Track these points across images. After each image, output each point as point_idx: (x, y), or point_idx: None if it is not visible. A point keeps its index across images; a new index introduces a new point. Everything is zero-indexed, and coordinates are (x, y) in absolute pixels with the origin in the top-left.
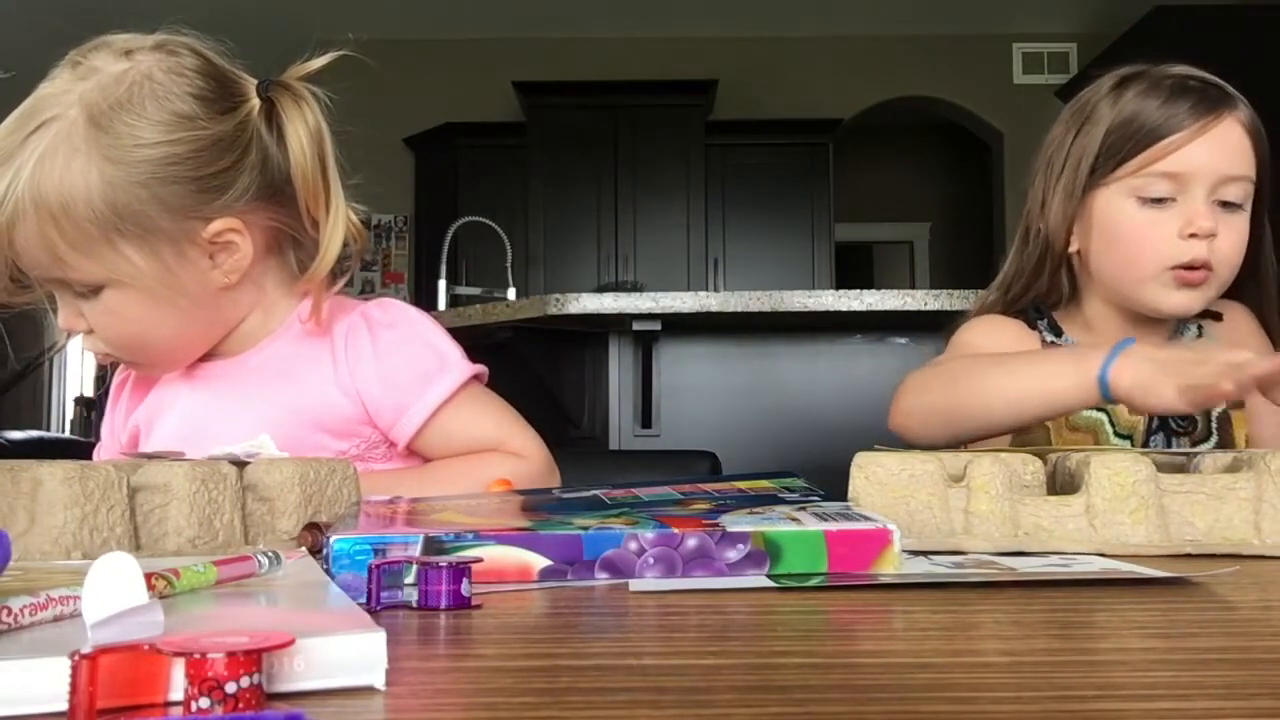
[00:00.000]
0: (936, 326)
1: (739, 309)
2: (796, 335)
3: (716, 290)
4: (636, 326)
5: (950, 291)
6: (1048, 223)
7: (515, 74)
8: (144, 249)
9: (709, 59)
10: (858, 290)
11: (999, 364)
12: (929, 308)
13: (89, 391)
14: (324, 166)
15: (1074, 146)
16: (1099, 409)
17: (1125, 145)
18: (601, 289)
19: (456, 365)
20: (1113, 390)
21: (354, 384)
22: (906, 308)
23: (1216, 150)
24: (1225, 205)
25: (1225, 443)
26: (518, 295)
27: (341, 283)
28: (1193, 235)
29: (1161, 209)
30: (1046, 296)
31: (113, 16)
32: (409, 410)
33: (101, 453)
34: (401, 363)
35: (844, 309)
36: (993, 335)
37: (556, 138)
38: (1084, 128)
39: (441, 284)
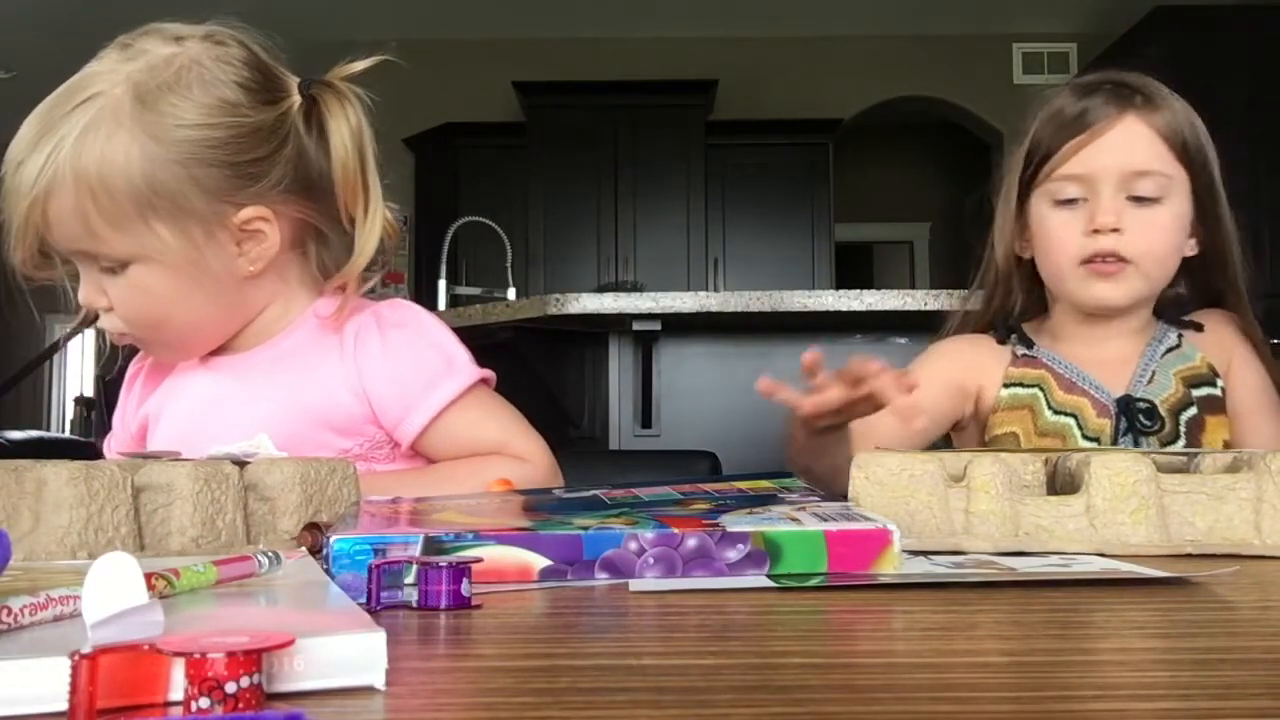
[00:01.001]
0: (936, 327)
1: (739, 309)
2: (796, 335)
3: (716, 290)
4: (636, 326)
5: (950, 291)
6: (993, 234)
7: (515, 74)
8: (175, 228)
9: (709, 59)
10: (858, 290)
11: None
12: (929, 308)
13: (89, 391)
14: (364, 165)
15: (1013, 159)
16: (1069, 413)
17: (1041, 152)
18: (601, 289)
19: (464, 368)
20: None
21: (361, 382)
22: (906, 308)
23: (1117, 148)
24: (1139, 200)
25: (1193, 445)
26: (518, 295)
27: (373, 281)
28: (1095, 231)
29: (1072, 209)
30: (1006, 307)
31: (113, 16)
32: (414, 410)
33: (112, 442)
34: (409, 363)
35: (844, 309)
36: (958, 355)
37: (556, 138)
38: (1021, 142)
39: (441, 284)
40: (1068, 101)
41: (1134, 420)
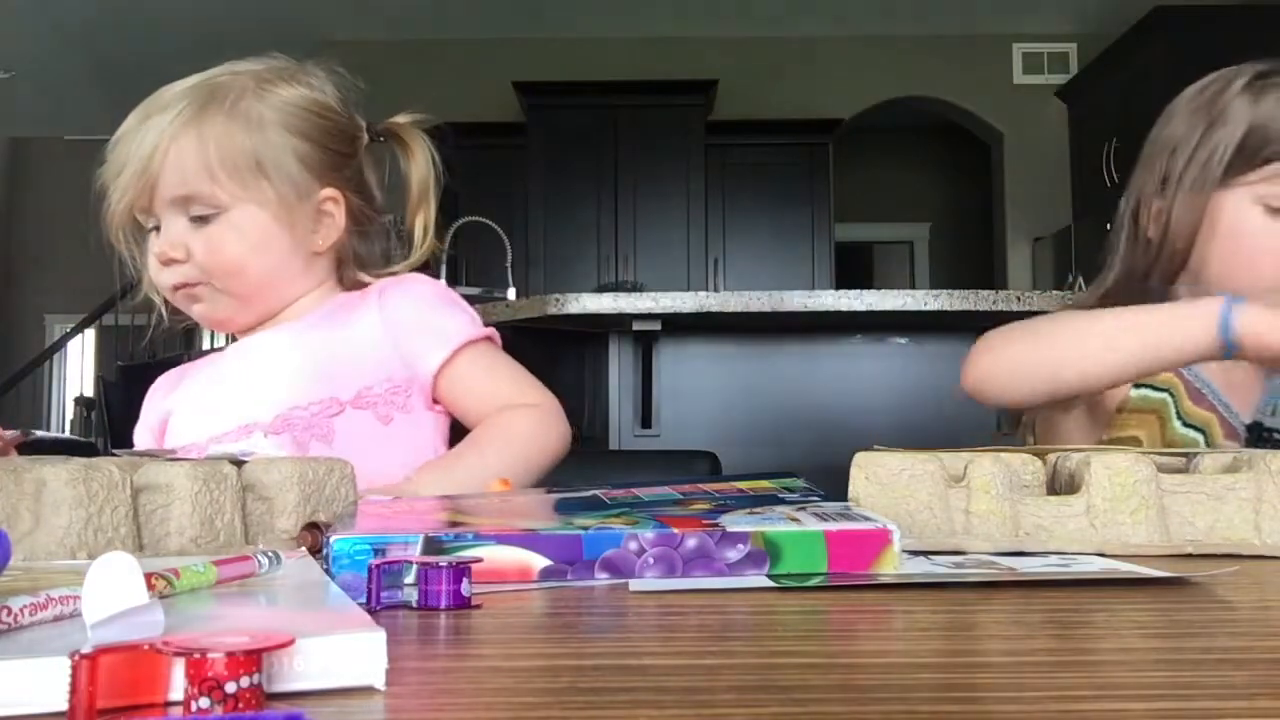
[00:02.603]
0: (936, 326)
1: (739, 309)
2: (796, 335)
3: (716, 290)
4: (636, 326)
5: (950, 291)
6: (1167, 220)
7: (515, 74)
8: (275, 185)
9: (709, 59)
10: (858, 290)
11: (1100, 316)
12: (929, 308)
13: (89, 391)
14: (434, 186)
15: (1203, 143)
16: (1198, 428)
17: (1261, 150)
18: (601, 289)
19: (479, 322)
20: (1237, 325)
21: (386, 321)
22: (906, 308)
23: None
24: None
25: None
26: (518, 295)
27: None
28: None
29: None
30: (1143, 298)
31: (111, 16)
32: (436, 346)
33: (133, 436)
34: (429, 308)
35: (844, 309)
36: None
37: (556, 138)
38: (1215, 125)
39: (441, 284)
40: None
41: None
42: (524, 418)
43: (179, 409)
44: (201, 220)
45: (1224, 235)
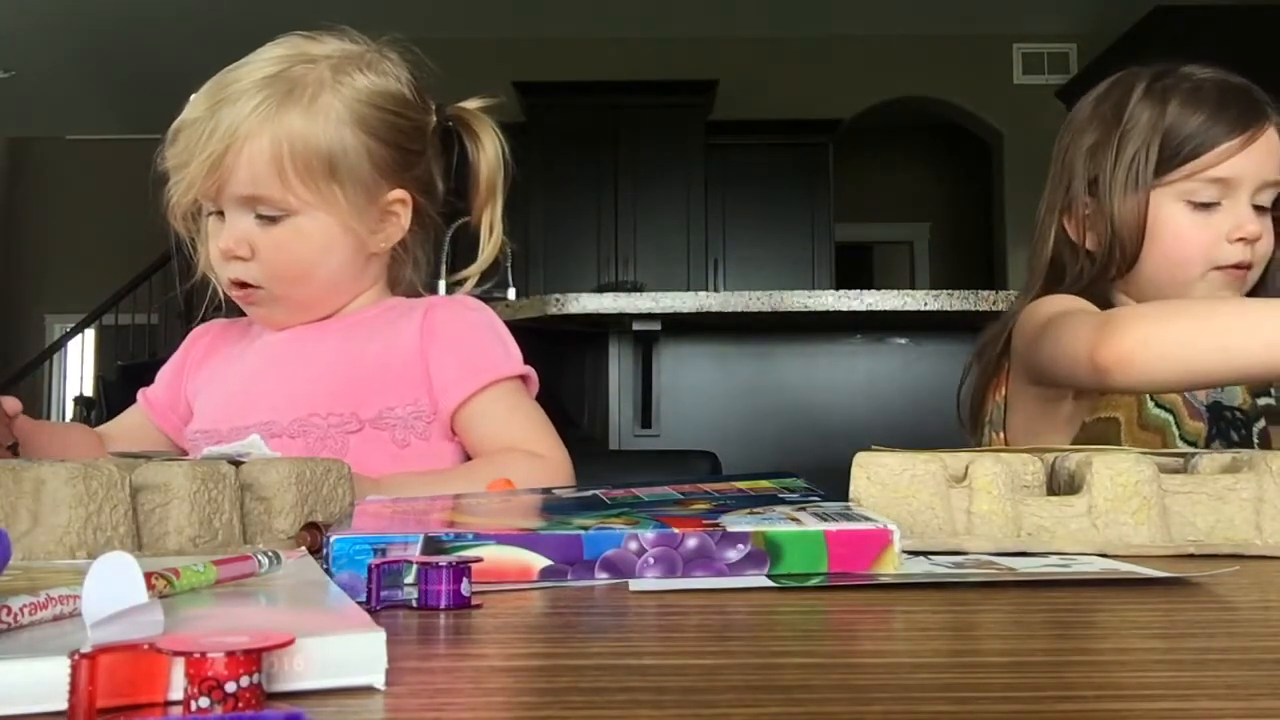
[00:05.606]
0: (936, 326)
1: (739, 309)
2: (796, 335)
3: (716, 290)
4: (636, 326)
5: (950, 291)
6: (1111, 225)
7: (515, 74)
8: (346, 188)
9: (709, 59)
10: (858, 290)
11: (1252, 304)
12: (929, 308)
13: (89, 391)
14: (502, 178)
15: (1123, 147)
16: (1167, 409)
17: (1179, 151)
18: (601, 289)
19: (517, 360)
20: None
21: (425, 343)
22: (906, 308)
23: (1260, 157)
24: (1258, 209)
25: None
26: (518, 295)
27: (480, 287)
28: (1240, 239)
29: (1209, 213)
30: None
31: (110, 15)
32: (465, 379)
33: (147, 394)
34: (472, 338)
35: (844, 309)
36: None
37: (556, 138)
38: (1128, 132)
39: (441, 284)
40: (1197, 105)
41: (1225, 429)
42: (524, 463)
43: (205, 390)
44: (268, 220)
45: (1155, 236)
